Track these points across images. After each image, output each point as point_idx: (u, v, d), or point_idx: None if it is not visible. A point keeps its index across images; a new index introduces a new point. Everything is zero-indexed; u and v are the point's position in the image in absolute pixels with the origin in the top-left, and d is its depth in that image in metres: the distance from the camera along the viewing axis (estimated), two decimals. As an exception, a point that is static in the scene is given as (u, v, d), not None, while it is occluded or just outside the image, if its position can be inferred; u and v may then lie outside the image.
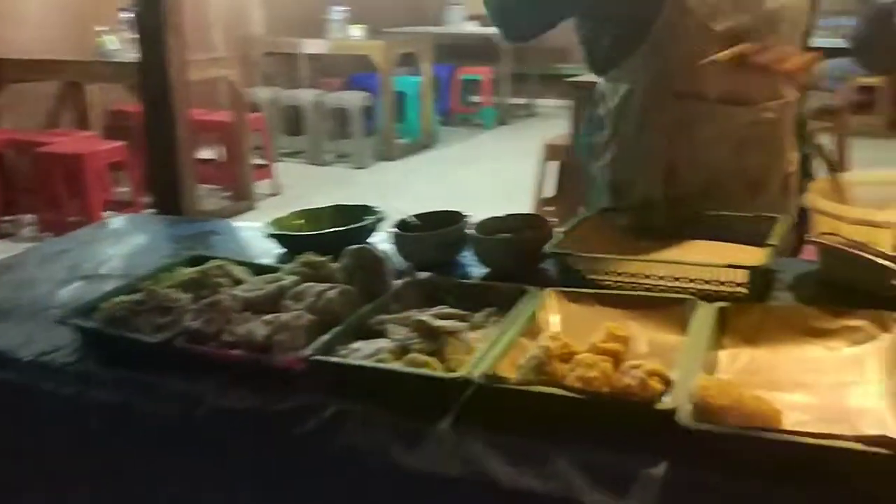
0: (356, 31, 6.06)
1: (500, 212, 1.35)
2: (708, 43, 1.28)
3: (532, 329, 0.96)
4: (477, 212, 1.35)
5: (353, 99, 5.85)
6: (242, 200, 4.81)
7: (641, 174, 1.39)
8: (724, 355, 0.94)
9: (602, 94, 1.45)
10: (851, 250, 1.01)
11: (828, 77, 6.03)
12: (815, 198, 1.13)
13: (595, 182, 1.49)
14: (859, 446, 0.69)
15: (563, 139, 3.70)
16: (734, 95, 1.34)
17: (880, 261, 0.97)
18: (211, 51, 5.32)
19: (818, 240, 1.06)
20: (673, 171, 1.37)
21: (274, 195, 5.12)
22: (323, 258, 1.14)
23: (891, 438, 0.68)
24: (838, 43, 5.84)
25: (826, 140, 4.13)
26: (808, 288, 1.14)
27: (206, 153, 4.70)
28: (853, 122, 6.24)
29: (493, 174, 5.40)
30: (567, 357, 0.85)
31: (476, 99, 7.49)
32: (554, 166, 3.81)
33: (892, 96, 5.92)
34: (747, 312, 0.98)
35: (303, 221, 1.45)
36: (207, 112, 4.65)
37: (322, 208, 1.49)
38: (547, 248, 1.15)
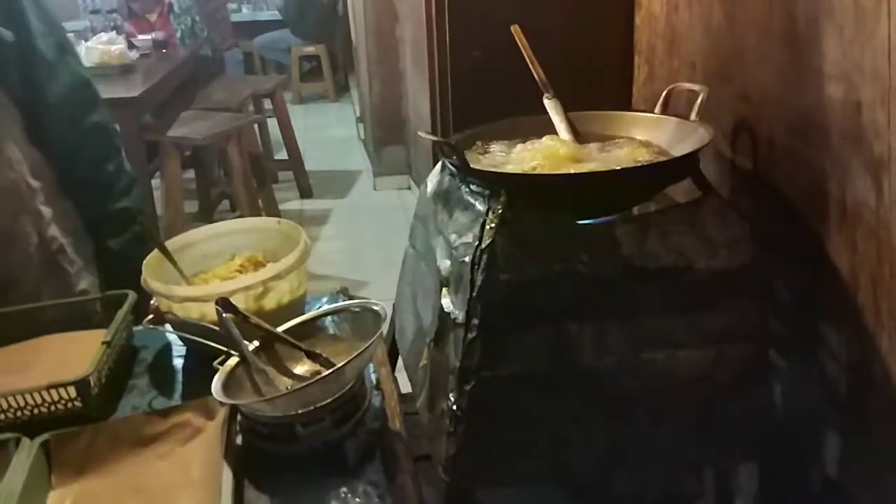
0: None
1: None
2: None
3: None
4: None
5: None
6: None
7: None
8: (53, 498, 0.85)
9: None
10: (176, 332, 1.00)
11: (273, 48, 6.33)
12: (147, 279, 1.09)
13: None
14: None
15: None
16: None
17: (201, 340, 0.97)
18: None
19: (148, 326, 1.03)
20: None
21: None
22: None
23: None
24: (275, 15, 6.15)
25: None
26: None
27: None
28: (304, 90, 6.75)
29: None
30: None
31: None
32: None
33: (332, 64, 6.50)
34: (74, 439, 0.89)
35: None
36: None
37: None
38: None
